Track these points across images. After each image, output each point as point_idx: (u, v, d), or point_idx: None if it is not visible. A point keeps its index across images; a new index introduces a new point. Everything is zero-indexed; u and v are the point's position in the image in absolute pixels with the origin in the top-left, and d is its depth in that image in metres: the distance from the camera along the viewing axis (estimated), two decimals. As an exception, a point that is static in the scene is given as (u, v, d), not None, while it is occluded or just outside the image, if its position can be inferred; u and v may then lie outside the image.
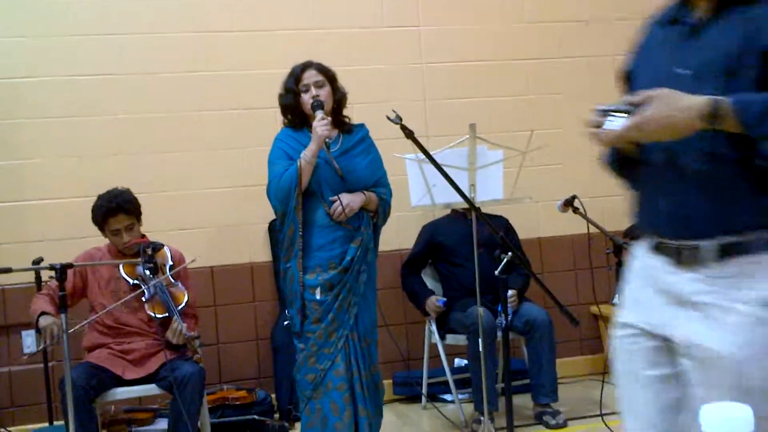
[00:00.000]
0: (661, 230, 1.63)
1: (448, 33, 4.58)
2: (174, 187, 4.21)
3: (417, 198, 3.56)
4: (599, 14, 4.72)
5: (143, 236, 3.48)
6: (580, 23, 4.73)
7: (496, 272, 2.87)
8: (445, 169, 2.84)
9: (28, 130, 4.06)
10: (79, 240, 3.74)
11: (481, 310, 3.37)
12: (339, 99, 3.24)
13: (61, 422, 3.32)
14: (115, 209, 3.37)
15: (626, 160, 1.71)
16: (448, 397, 4.28)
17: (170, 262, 3.49)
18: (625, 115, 1.52)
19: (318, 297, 3.09)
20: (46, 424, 3.77)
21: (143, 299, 3.35)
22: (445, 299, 4.01)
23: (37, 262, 3.57)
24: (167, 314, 3.34)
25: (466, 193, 3.03)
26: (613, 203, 4.25)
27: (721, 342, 1.50)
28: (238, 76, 4.29)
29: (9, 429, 3.94)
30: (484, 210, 3.18)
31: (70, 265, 2.89)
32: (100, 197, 3.43)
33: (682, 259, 1.58)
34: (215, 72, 4.27)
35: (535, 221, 4.62)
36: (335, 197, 3.10)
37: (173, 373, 3.17)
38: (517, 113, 4.55)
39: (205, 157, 4.25)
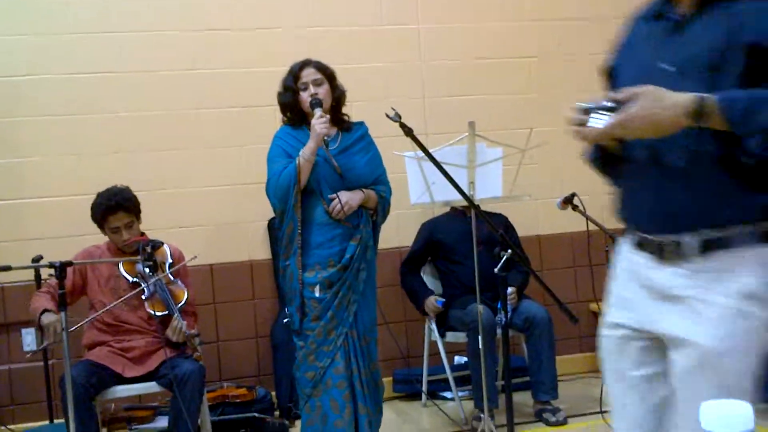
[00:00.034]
0: (644, 226, 1.64)
1: (447, 31, 4.58)
2: (173, 185, 4.21)
3: (416, 196, 3.56)
4: (598, 12, 4.71)
5: (143, 234, 3.48)
6: (580, 21, 4.73)
7: (496, 270, 2.87)
8: (444, 166, 2.84)
9: (27, 128, 4.06)
10: (79, 238, 3.74)
11: (480, 307, 3.37)
12: (338, 97, 3.24)
13: (62, 420, 3.33)
14: (115, 207, 3.37)
15: (609, 156, 1.71)
16: (448, 394, 4.28)
17: (170, 260, 3.49)
18: (608, 112, 1.52)
19: (317, 295, 3.09)
20: (47, 422, 3.77)
21: (143, 297, 3.36)
22: (443, 300, 4.02)
23: (37, 260, 3.57)
24: (167, 312, 3.34)
25: (466, 190, 3.03)
26: (612, 201, 4.25)
27: (703, 335, 1.51)
28: (237, 74, 4.29)
29: (9, 427, 3.94)
30: (483, 208, 3.19)
31: (69, 263, 2.88)
32: (99, 195, 3.43)
33: (665, 254, 1.58)
34: (214, 70, 4.27)
35: (535, 219, 4.62)
36: (334, 195, 3.10)
37: (173, 371, 3.18)
38: (517, 111, 4.55)
39: (204, 155, 4.25)
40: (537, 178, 4.39)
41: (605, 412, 3.54)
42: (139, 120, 4.18)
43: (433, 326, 4.10)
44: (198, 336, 3.33)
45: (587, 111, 1.55)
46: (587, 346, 4.71)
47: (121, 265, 3.41)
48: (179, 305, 3.36)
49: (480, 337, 3.38)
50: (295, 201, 3.07)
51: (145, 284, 3.34)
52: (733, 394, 1.46)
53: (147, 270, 3.36)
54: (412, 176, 3.51)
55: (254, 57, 4.28)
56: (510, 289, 3.77)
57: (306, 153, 3.06)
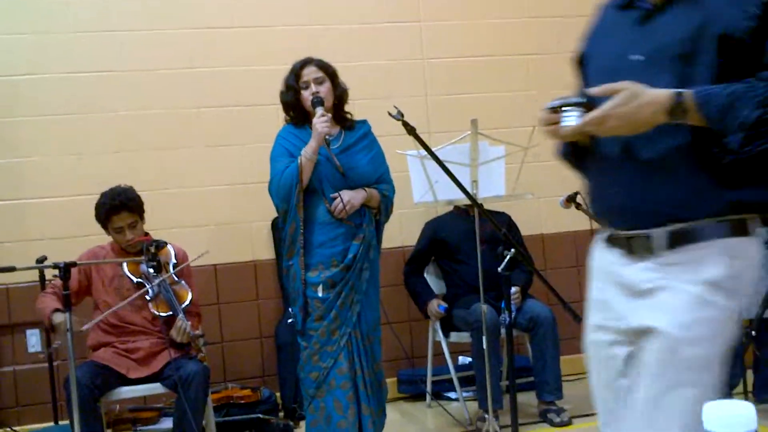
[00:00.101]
0: (614, 221, 1.63)
1: (448, 28, 4.57)
2: (175, 184, 4.21)
3: (419, 194, 3.55)
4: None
5: (146, 234, 3.48)
6: (580, 18, 4.71)
7: (499, 269, 2.86)
8: (447, 165, 2.83)
9: (27, 128, 4.06)
10: (81, 238, 3.75)
11: (484, 307, 3.36)
12: (340, 95, 3.23)
13: (66, 422, 3.33)
14: (118, 207, 3.37)
15: (580, 150, 1.70)
16: (452, 395, 4.27)
17: (173, 260, 3.49)
18: (578, 108, 1.51)
19: (320, 294, 3.08)
20: (51, 424, 3.78)
21: (147, 298, 3.35)
22: (446, 305, 4.01)
23: (41, 260, 3.57)
24: (171, 313, 3.34)
25: (469, 189, 3.03)
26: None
27: (667, 322, 1.50)
28: (237, 72, 4.28)
29: (14, 428, 3.94)
30: (486, 206, 3.18)
31: (73, 264, 2.88)
32: (103, 195, 3.43)
33: (634, 248, 1.58)
34: (214, 68, 4.26)
35: (538, 217, 4.60)
36: (336, 194, 3.09)
37: (178, 372, 3.18)
38: (519, 109, 4.53)
39: (205, 154, 4.25)
40: (540, 177, 4.37)
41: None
42: (139, 119, 4.17)
43: (437, 326, 4.09)
44: (202, 337, 3.33)
45: (558, 109, 1.54)
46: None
47: (125, 266, 3.40)
48: (183, 306, 3.36)
49: (484, 337, 3.37)
50: (298, 200, 3.07)
51: (149, 285, 3.34)
52: (694, 383, 1.47)
53: (151, 270, 3.35)
54: (414, 175, 3.50)
55: (255, 55, 4.28)
56: (514, 289, 3.76)
57: (307, 152, 3.06)
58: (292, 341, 3.53)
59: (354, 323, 3.10)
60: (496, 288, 3.52)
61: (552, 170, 4.65)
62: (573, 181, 4.42)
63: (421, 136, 2.85)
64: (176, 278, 3.45)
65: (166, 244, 3.47)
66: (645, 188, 1.54)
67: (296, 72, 3.18)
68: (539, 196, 4.31)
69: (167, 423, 3.70)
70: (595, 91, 1.50)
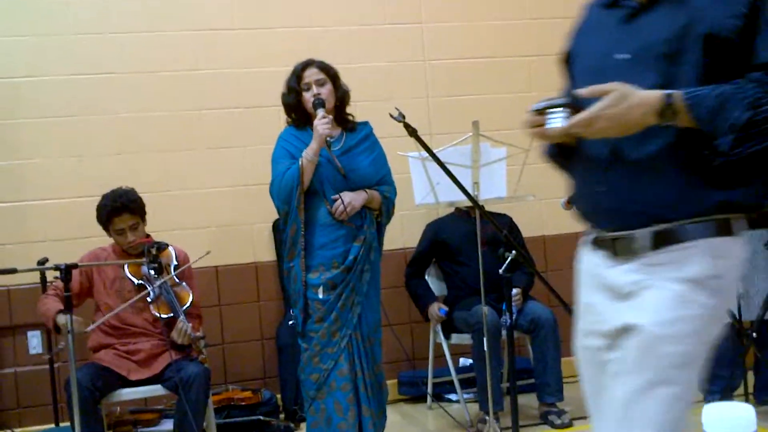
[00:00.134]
0: (601, 222, 1.62)
1: (450, 29, 4.57)
2: (177, 186, 4.20)
3: (421, 196, 3.55)
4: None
5: (148, 236, 3.49)
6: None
7: (501, 271, 2.86)
8: (448, 166, 2.83)
9: (28, 130, 4.06)
10: (82, 240, 3.75)
11: (485, 309, 3.36)
12: (341, 97, 3.23)
13: (67, 423, 3.34)
14: (120, 209, 3.37)
15: (566, 150, 1.70)
16: (453, 396, 4.27)
17: (174, 262, 3.49)
18: (563, 109, 1.50)
19: (320, 296, 3.08)
20: (52, 425, 3.78)
21: (148, 300, 3.36)
22: (446, 309, 4.01)
23: (42, 262, 3.57)
24: (172, 314, 3.34)
25: (470, 191, 3.03)
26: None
27: (646, 318, 1.49)
28: (238, 74, 4.28)
29: (15, 430, 3.94)
30: (487, 208, 3.18)
31: (74, 266, 2.89)
32: (104, 197, 3.43)
33: (618, 250, 1.57)
34: (216, 70, 4.26)
35: (540, 219, 4.60)
36: (337, 196, 3.09)
37: (178, 374, 3.18)
38: (520, 110, 4.49)
39: (206, 156, 4.25)
40: (541, 178, 4.34)
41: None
42: (140, 121, 4.18)
43: (438, 328, 4.09)
44: (203, 338, 3.33)
45: (543, 111, 1.53)
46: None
47: (126, 267, 3.41)
48: (184, 307, 3.36)
49: (485, 339, 3.36)
50: (298, 202, 3.07)
51: (151, 286, 3.34)
52: (673, 380, 1.46)
53: (152, 272, 3.36)
54: (416, 177, 3.50)
55: (256, 57, 4.28)
56: (515, 290, 3.76)
57: (308, 154, 3.06)
58: (293, 343, 3.53)
59: (354, 325, 3.10)
60: (497, 290, 3.52)
61: (553, 172, 4.65)
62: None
63: (423, 137, 2.85)
64: (177, 280, 3.45)
65: (167, 245, 3.48)
66: (631, 189, 1.53)
67: (298, 74, 3.18)
68: (540, 198, 4.31)
69: (168, 425, 3.70)
70: (583, 92, 1.49)
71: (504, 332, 3.36)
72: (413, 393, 4.34)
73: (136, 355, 3.32)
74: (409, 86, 4.48)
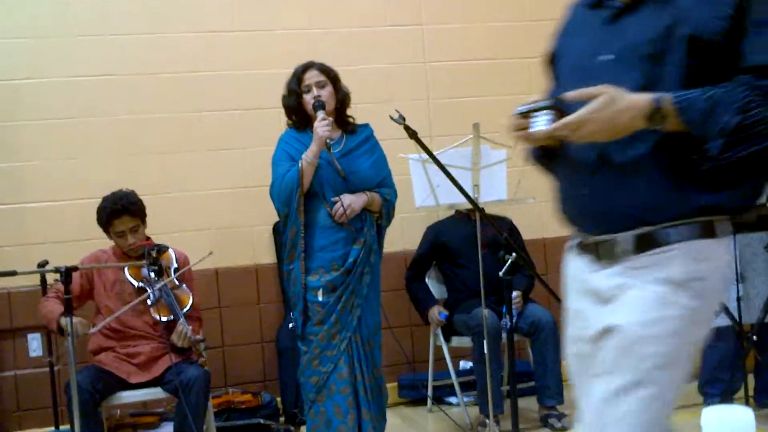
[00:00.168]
0: (586, 225, 1.62)
1: (450, 31, 4.56)
2: (177, 188, 4.20)
3: (421, 199, 3.55)
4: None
5: (148, 238, 3.48)
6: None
7: (501, 273, 2.86)
8: (448, 169, 2.83)
9: (28, 132, 4.06)
10: (82, 242, 3.75)
11: (485, 311, 3.35)
12: (341, 99, 3.23)
13: (67, 426, 3.33)
14: (120, 211, 3.37)
15: (551, 153, 1.68)
16: (453, 399, 4.26)
17: (175, 265, 3.49)
18: (547, 111, 1.49)
19: (320, 299, 3.08)
20: (52, 428, 3.77)
21: (148, 302, 3.35)
22: (447, 313, 4.00)
23: (42, 264, 3.57)
24: (172, 317, 3.33)
25: (470, 193, 3.02)
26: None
27: (626, 319, 1.48)
28: (238, 76, 4.28)
29: (15, 433, 3.95)
30: (487, 210, 3.17)
31: (75, 268, 2.89)
32: (104, 199, 3.43)
33: (601, 254, 1.56)
34: (216, 72, 4.26)
35: (540, 221, 4.59)
36: (337, 198, 3.09)
37: (178, 377, 3.17)
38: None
39: (206, 158, 4.24)
40: (542, 181, 4.33)
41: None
42: (140, 123, 4.17)
43: (438, 331, 4.08)
44: (203, 341, 3.33)
45: (527, 114, 1.52)
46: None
47: (126, 270, 3.41)
48: (184, 310, 3.36)
49: (485, 342, 3.36)
50: (298, 204, 3.07)
51: (151, 289, 3.34)
52: (652, 381, 1.45)
53: (152, 275, 3.35)
54: (416, 179, 3.50)
55: (256, 58, 4.28)
56: (515, 293, 3.75)
57: (308, 156, 3.06)
58: (293, 346, 3.52)
59: (354, 328, 3.10)
60: (498, 292, 3.51)
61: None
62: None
63: (423, 139, 2.85)
64: (177, 282, 3.45)
65: (167, 248, 3.48)
66: (617, 192, 1.52)
67: (298, 76, 3.19)
68: (541, 200, 4.29)
69: (168, 428, 3.69)
70: (571, 95, 1.47)
71: (504, 335, 3.36)
72: (413, 396, 4.34)
73: (136, 358, 3.32)
74: (409, 88, 4.47)
